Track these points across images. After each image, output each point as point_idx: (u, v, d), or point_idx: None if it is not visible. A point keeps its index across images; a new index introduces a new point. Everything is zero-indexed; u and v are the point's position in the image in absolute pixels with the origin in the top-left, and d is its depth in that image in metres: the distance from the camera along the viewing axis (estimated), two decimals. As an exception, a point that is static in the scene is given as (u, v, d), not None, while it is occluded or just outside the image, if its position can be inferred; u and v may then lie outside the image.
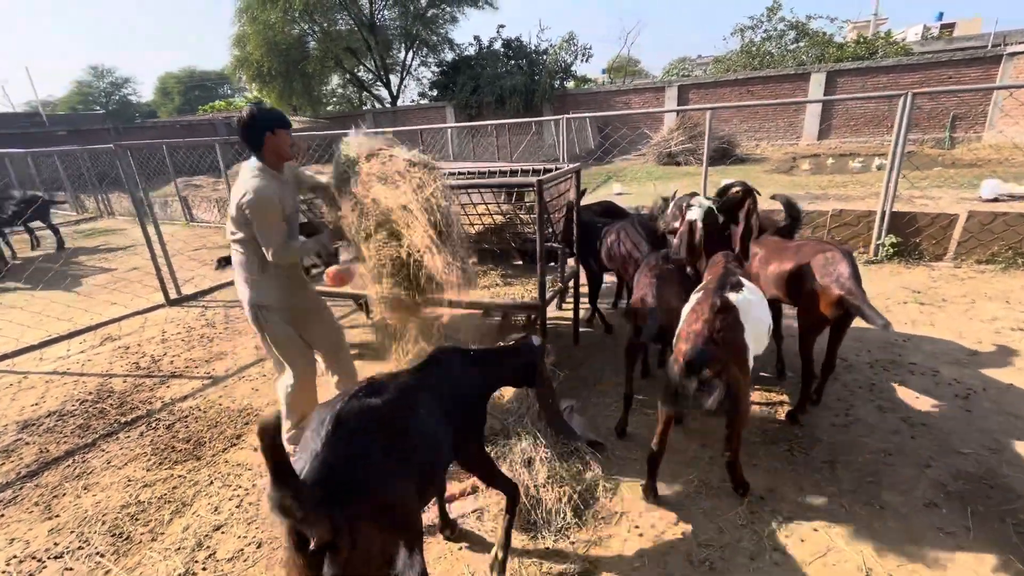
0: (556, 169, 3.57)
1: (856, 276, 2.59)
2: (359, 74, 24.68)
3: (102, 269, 7.62)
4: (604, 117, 17.26)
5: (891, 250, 5.31)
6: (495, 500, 2.41)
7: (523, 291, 3.44)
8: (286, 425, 2.84)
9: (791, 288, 2.86)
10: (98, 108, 36.82)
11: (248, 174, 2.42)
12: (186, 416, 3.39)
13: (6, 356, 4.33)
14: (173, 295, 5.69)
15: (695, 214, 2.88)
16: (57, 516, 2.55)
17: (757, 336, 2.32)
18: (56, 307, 5.28)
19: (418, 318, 2.78)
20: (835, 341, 2.80)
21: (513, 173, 4.06)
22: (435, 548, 2.20)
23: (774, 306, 3.29)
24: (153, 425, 3.31)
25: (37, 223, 8.88)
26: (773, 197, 3.60)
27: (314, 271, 4.13)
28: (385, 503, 1.42)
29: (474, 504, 2.41)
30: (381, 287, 2.59)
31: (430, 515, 2.27)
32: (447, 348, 2.11)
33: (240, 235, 2.48)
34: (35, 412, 3.57)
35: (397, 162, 2.53)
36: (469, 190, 3.36)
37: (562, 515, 2.29)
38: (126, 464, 2.92)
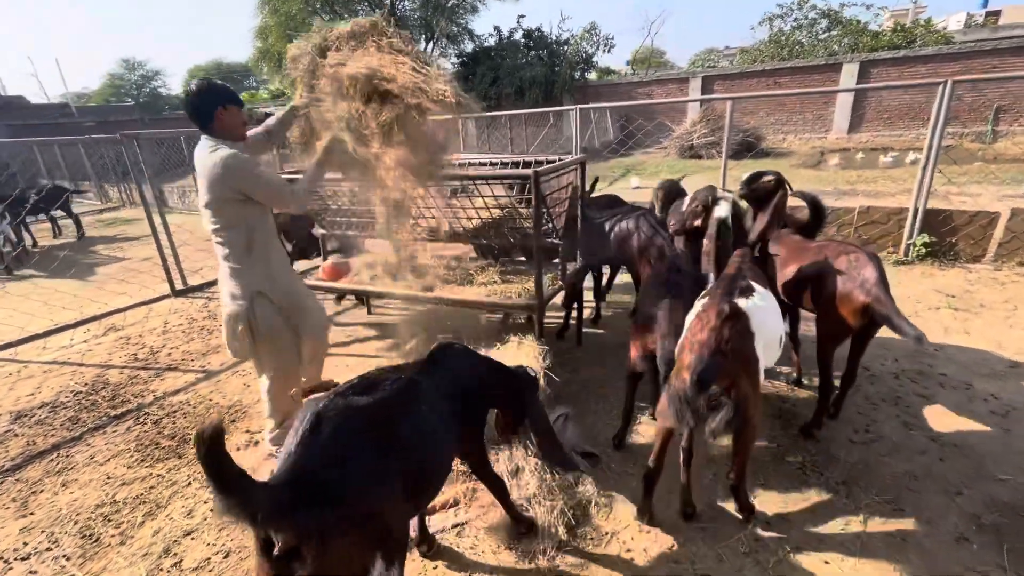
0: (559, 161, 3.37)
1: (883, 281, 2.34)
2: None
3: (117, 258, 7.70)
4: (624, 109, 16.85)
5: (923, 250, 4.96)
6: (477, 513, 2.26)
7: (521, 289, 3.26)
8: (269, 424, 2.74)
9: (810, 292, 2.62)
10: (129, 100, 37.73)
11: (207, 151, 2.23)
12: (175, 411, 3.32)
13: (10, 345, 4.35)
14: (179, 286, 5.67)
15: (724, 211, 2.58)
16: (32, 514, 2.49)
17: (769, 346, 2.10)
18: (66, 296, 5.31)
19: (430, 176, 2.46)
20: (857, 352, 2.56)
21: (517, 165, 3.88)
22: (409, 565, 2.05)
23: (792, 309, 3.05)
24: (141, 420, 3.25)
25: (59, 212, 9.04)
26: (795, 193, 3.34)
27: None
28: (363, 510, 1.31)
29: (455, 518, 2.26)
30: (390, 155, 2.25)
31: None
32: (455, 343, 2.01)
33: (219, 224, 2.33)
34: (29, 403, 3.55)
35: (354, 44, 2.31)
36: (467, 183, 3.19)
37: (555, 531, 2.13)
38: (108, 460, 2.85)
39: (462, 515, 2.27)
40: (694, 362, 1.83)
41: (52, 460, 2.90)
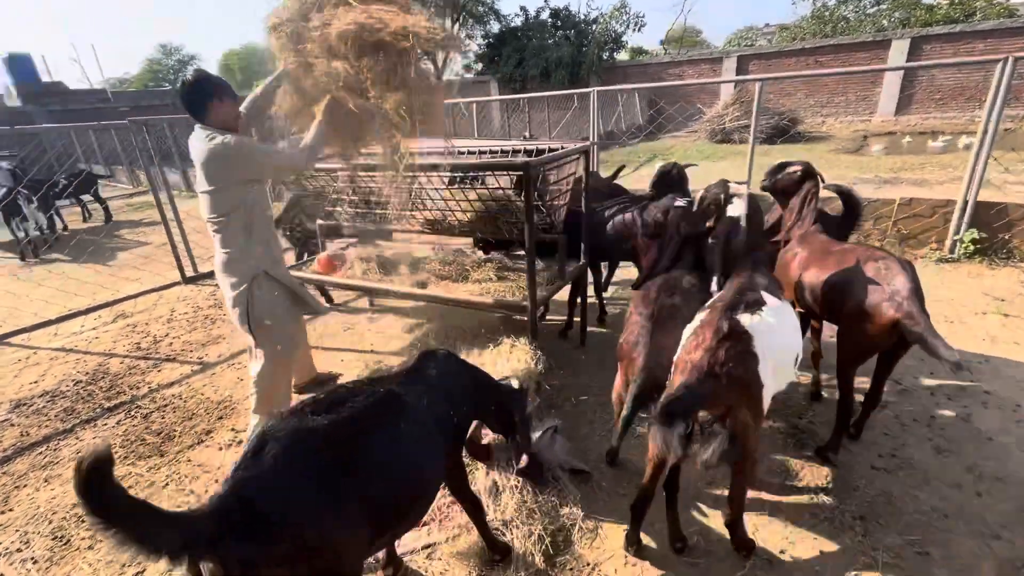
0: (562, 148, 3.13)
1: (917, 294, 2.04)
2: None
3: (139, 243, 7.83)
4: (652, 91, 16.19)
5: (971, 247, 4.51)
6: (450, 535, 2.10)
7: (515, 287, 3.06)
8: (253, 420, 2.66)
9: (830, 303, 2.33)
10: (167, 85, 38.67)
11: (204, 140, 2.23)
12: (166, 405, 3.29)
13: (23, 330, 4.42)
14: (190, 272, 5.69)
15: (739, 210, 2.31)
16: (11, 510, 2.47)
17: (780, 369, 1.85)
18: (82, 281, 5.39)
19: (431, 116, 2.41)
20: (883, 371, 2.27)
21: (527, 153, 3.65)
22: (373, 589, 1.92)
23: (813, 316, 2.76)
24: (132, 413, 3.22)
25: (87, 196, 9.27)
26: (827, 186, 3.01)
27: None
28: (304, 543, 1.19)
29: (427, 537, 2.12)
30: (391, 101, 2.23)
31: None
32: (440, 350, 1.89)
33: (220, 209, 2.33)
34: (31, 391, 3.58)
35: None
36: (460, 173, 2.99)
37: (531, 559, 1.96)
38: (93, 456, 2.82)
39: (435, 535, 2.12)
40: (680, 387, 1.61)
41: (40, 453, 2.89)
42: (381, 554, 1.95)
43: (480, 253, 3.80)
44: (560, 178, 3.10)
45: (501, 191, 2.86)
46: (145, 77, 41.53)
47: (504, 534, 2.05)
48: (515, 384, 2.16)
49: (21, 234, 7.02)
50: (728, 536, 1.92)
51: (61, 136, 14.42)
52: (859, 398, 2.45)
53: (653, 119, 15.19)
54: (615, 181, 4.78)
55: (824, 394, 2.87)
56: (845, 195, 2.89)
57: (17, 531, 2.33)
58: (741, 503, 1.83)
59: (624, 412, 1.89)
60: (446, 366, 1.84)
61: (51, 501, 2.51)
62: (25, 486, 2.64)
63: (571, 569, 1.96)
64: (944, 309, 3.76)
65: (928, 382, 2.93)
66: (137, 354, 4.05)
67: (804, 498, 2.21)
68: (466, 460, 2.44)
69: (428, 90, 2.33)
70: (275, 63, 2.46)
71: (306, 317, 4.27)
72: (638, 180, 8.48)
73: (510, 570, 1.92)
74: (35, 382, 3.72)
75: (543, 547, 1.99)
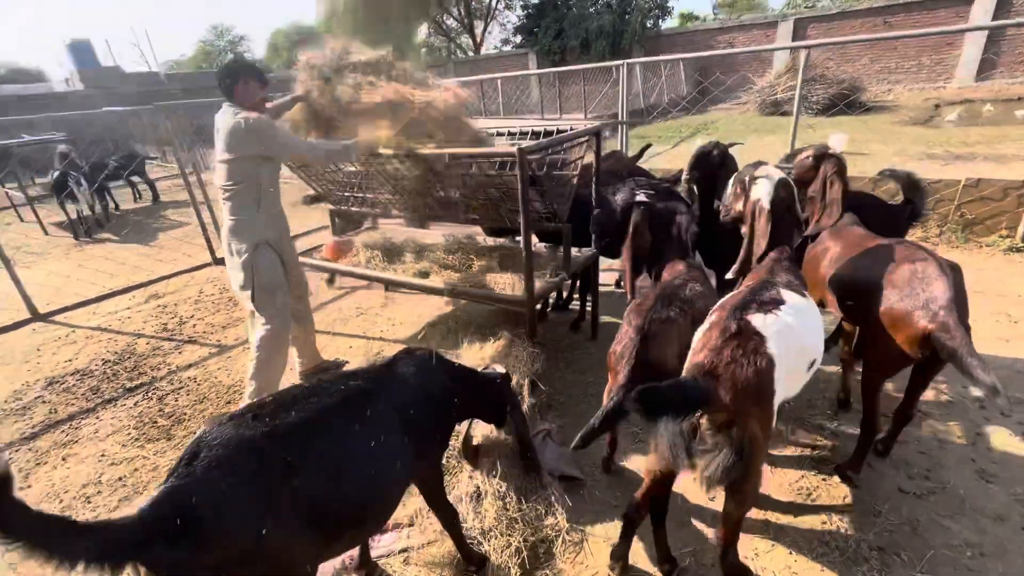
0: (571, 129, 2.92)
1: (958, 304, 1.75)
2: (445, 22, 24.19)
3: (180, 223, 8.14)
4: (699, 60, 15.23)
5: (1050, 235, 3.97)
6: (428, 540, 2.04)
7: (517, 279, 2.91)
8: (249, 389, 2.76)
9: (857, 307, 2.06)
10: (218, 67, 39.97)
11: (230, 116, 2.51)
12: (180, 388, 3.39)
13: (64, 309, 4.69)
14: (220, 254, 5.85)
15: (764, 190, 2.02)
16: (30, 487, 2.61)
17: (794, 374, 1.65)
18: (120, 262, 5.65)
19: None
20: (917, 386, 2.00)
21: (549, 133, 3.45)
22: (345, 593, 1.89)
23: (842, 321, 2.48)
24: (149, 395, 3.34)
25: (136, 177, 9.71)
26: (885, 174, 2.68)
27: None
28: (236, 549, 1.18)
29: (404, 542, 2.06)
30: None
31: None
32: (419, 349, 1.84)
33: (233, 179, 2.58)
34: (64, 369, 3.79)
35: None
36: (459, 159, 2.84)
37: (508, 572, 1.87)
38: (108, 436, 2.94)
39: (413, 539, 2.06)
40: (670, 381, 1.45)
41: (63, 431, 3.04)
42: (355, 556, 1.92)
43: (489, 240, 3.67)
44: (567, 162, 2.89)
45: (499, 177, 2.69)
46: (198, 59, 43.02)
47: (482, 544, 1.96)
48: (500, 370, 2.10)
49: (74, 215, 7.43)
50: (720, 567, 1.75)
51: (121, 119, 15.17)
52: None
53: (701, 91, 14.35)
54: (639, 163, 4.50)
55: (853, 403, 2.60)
56: (904, 180, 2.55)
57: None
58: (737, 528, 1.65)
59: (589, 425, 1.73)
60: (421, 366, 1.76)
61: (64, 480, 2.63)
62: (45, 463, 2.78)
63: (549, 585, 1.86)
64: (1010, 306, 3.33)
65: (980, 393, 2.59)
66: (161, 336, 4.20)
67: (816, 522, 2.00)
68: (454, 464, 2.38)
69: (436, 130, 2.73)
70: (295, 85, 2.97)
71: (318, 303, 4.31)
72: (675, 158, 8.05)
73: (486, 581, 1.84)
74: (69, 360, 3.92)
75: (521, 559, 1.89)
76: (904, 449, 2.29)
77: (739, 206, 2.13)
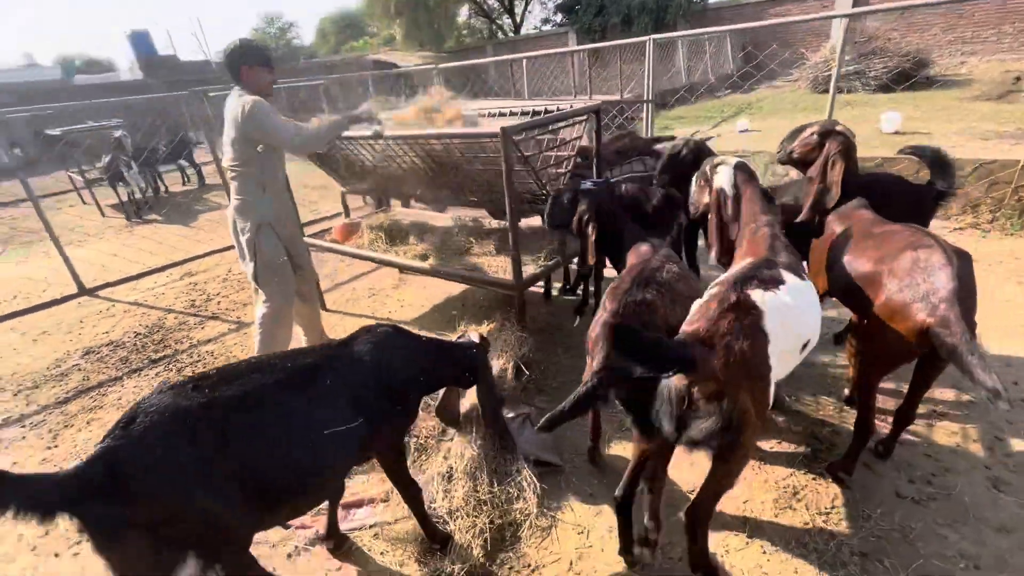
0: (571, 107, 2.83)
1: (963, 296, 1.58)
2: (487, 2, 23.96)
3: (221, 205, 8.53)
4: (745, 35, 14.41)
5: (1122, 222, 3.54)
6: (401, 515, 2.07)
7: (509, 264, 2.87)
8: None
9: (855, 297, 1.91)
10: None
11: (236, 98, 2.61)
12: (198, 361, 3.58)
13: (108, 285, 5.03)
14: (251, 235, 6.09)
15: (724, 179, 2.03)
16: (56, 447, 2.84)
17: (787, 352, 1.60)
18: (159, 241, 5.99)
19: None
20: (919, 384, 1.85)
21: (550, 113, 3.37)
22: (313, 561, 1.96)
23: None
24: (170, 366, 3.55)
25: (184, 161, 10.23)
26: (908, 151, 2.47)
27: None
28: (164, 508, 1.25)
29: (377, 517, 2.11)
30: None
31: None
32: (384, 326, 1.87)
33: (239, 160, 2.66)
34: (101, 340, 4.07)
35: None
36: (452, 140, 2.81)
37: (470, 552, 1.89)
38: (127, 405, 3.15)
39: (386, 514, 2.10)
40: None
41: (92, 397, 3.28)
42: (323, 527, 1.98)
43: (493, 223, 3.63)
44: (564, 141, 2.81)
45: (481, 158, 2.65)
46: (252, 46, 44.49)
47: (447, 523, 1.98)
48: (474, 338, 2.13)
49: (125, 197, 7.92)
50: (687, 550, 1.69)
51: (176, 104, 15.96)
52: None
53: (748, 68, 13.58)
54: (656, 146, 4.32)
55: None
56: (928, 158, 2.33)
57: (55, 466, 2.68)
58: (710, 504, 1.58)
59: (559, 408, 1.69)
60: (380, 342, 1.77)
61: (86, 442, 2.84)
62: (73, 426, 3.01)
63: (511, 568, 1.85)
64: (1059, 301, 3.01)
65: (1010, 394, 2.36)
66: (189, 311, 4.44)
67: (798, 521, 1.90)
68: (432, 444, 2.40)
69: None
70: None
71: (334, 283, 4.42)
72: (718, 139, 7.67)
73: (447, 560, 1.86)
74: (106, 332, 4.22)
75: (484, 540, 1.90)
76: (909, 451, 2.13)
77: (705, 198, 2.15)
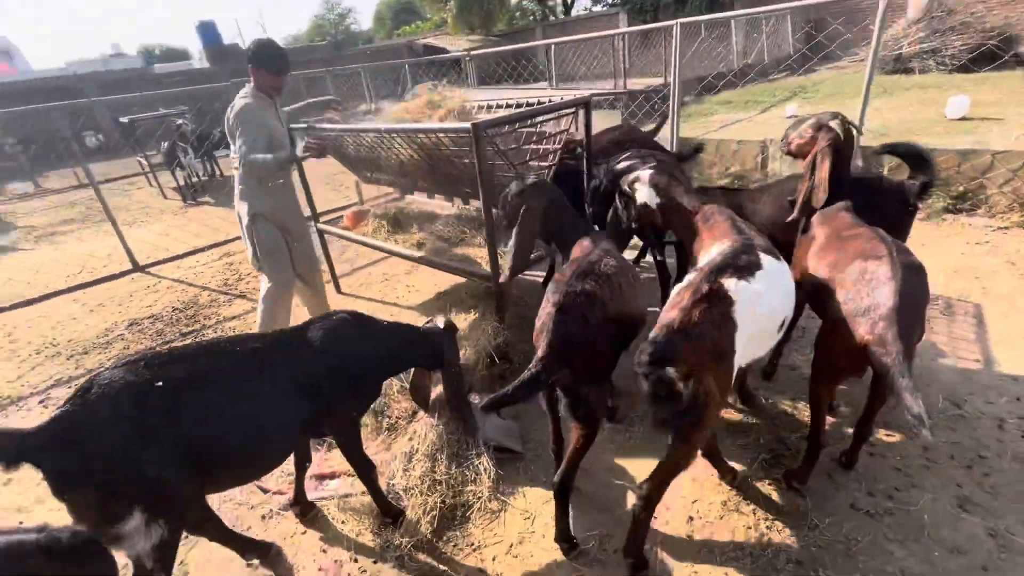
0: (557, 99, 2.83)
1: (908, 314, 1.51)
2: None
3: (268, 189, 9.05)
4: (806, 12, 13.45)
5: None
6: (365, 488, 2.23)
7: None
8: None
9: (815, 307, 1.86)
10: (328, 39, 42.50)
11: (238, 96, 2.86)
12: (221, 335, 3.90)
13: (157, 263, 5.51)
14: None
15: (644, 194, 2.15)
16: (92, 406, 3.20)
17: (755, 338, 1.66)
18: (204, 223, 6.45)
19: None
20: (873, 399, 1.78)
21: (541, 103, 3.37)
22: (281, 525, 2.15)
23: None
24: (197, 339, 3.88)
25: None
26: (884, 148, 2.33)
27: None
28: (110, 465, 1.42)
29: (347, 488, 2.27)
30: None
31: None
32: (342, 313, 2.01)
33: (237, 154, 2.83)
34: (144, 313, 4.50)
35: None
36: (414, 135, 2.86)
37: (418, 527, 2.01)
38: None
39: (355, 486, 2.26)
40: (649, 342, 1.50)
41: (128, 364, 3.66)
42: (291, 493, 2.16)
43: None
44: (550, 135, 2.82)
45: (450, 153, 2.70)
46: (312, 33, 46.00)
47: (402, 500, 2.11)
48: (440, 324, 2.23)
49: (182, 181, 8.55)
50: (626, 535, 1.73)
51: (231, 92, 16.90)
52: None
53: (810, 48, 12.70)
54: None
55: (844, 408, 2.34)
56: (904, 154, 2.19)
57: (87, 423, 3.03)
58: (663, 482, 1.62)
59: (503, 391, 1.76)
60: (335, 328, 1.90)
61: (117, 404, 3.19)
62: (108, 389, 3.38)
63: (454, 545, 1.97)
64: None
65: (1003, 409, 2.21)
66: (221, 289, 4.81)
67: (742, 525, 1.89)
68: (403, 425, 2.53)
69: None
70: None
71: (352, 268, 4.64)
72: (756, 127, 7.30)
73: (397, 533, 2.00)
74: (149, 306, 4.65)
75: (432, 517, 2.01)
76: (877, 463, 2.05)
77: (631, 212, 2.22)
